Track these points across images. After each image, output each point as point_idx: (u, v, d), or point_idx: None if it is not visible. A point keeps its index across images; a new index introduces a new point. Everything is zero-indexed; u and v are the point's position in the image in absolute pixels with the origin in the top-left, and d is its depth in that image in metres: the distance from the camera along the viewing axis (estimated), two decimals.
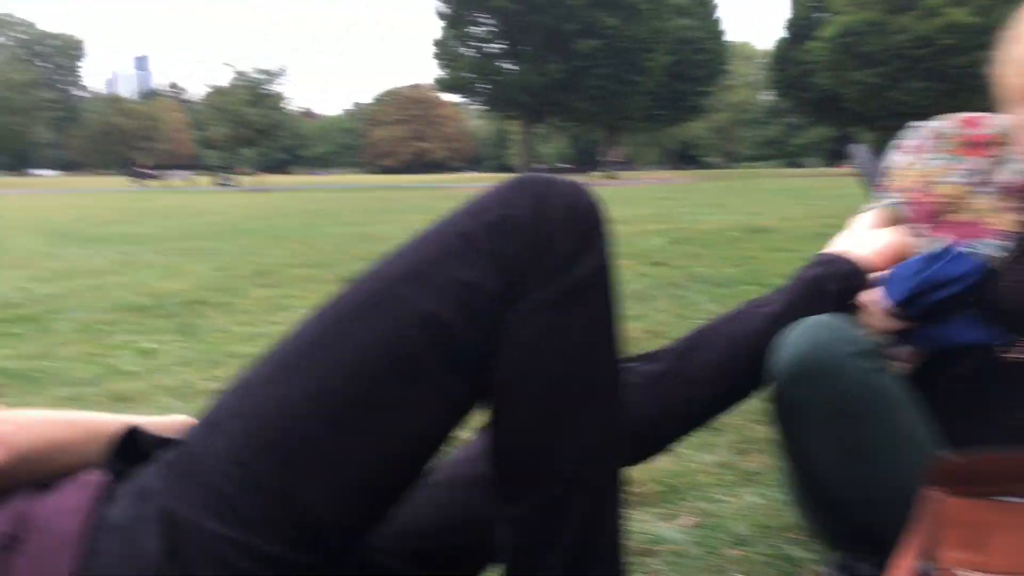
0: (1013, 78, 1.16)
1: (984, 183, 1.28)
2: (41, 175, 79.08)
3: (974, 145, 1.31)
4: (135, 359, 3.50)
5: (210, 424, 0.91)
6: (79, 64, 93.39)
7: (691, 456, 2.17)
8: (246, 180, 39.88)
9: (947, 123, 1.35)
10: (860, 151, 1.53)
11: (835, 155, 68.56)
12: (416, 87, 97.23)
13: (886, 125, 43.61)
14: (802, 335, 1.14)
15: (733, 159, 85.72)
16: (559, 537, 0.94)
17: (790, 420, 1.19)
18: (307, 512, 0.87)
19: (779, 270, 5.24)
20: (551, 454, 0.94)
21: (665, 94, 51.96)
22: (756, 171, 55.75)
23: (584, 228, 0.93)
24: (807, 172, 49.67)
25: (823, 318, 1.17)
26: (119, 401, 2.84)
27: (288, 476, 0.87)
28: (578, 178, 1.03)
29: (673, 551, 1.65)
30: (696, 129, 74.64)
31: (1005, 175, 1.27)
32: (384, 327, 0.89)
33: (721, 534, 1.72)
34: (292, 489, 0.87)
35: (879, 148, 1.52)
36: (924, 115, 1.50)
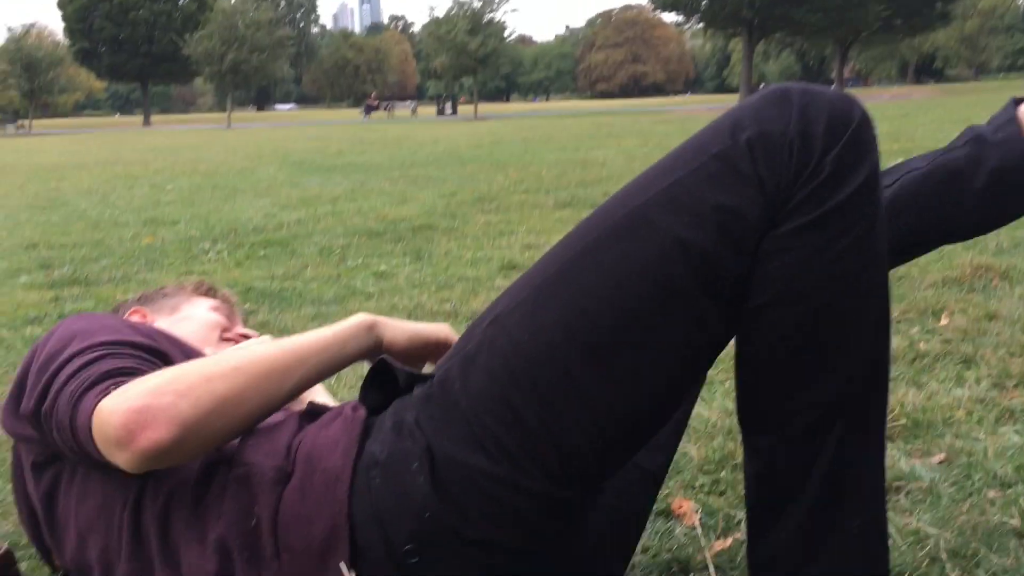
0: None
1: None
2: (282, 110, 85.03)
3: None
4: (372, 281, 3.70)
5: (467, 358, 0.90)
6: (316, 2, 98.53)
7: (942, 390, 2.01)
8: (466, 109, 40.82)
9: None
10: None
11: None
12: (629, 7, 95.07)
13: None
14: None
15: (983, 71, 77.85)
16: (811, 469, 0.89)
17: None
18: (568, 447, 0.86)
19: None
20: (809, 384, 0.88)
21: (905, 2, 47.72)
22: (1010, 82, 50.37)
23: (851, 142, 0.85)
24: None
25: None
26: None
27: (550, 412, 0.85)
28: None
29: (922, 488, 1.54)
30: (940, 39, 68.16)
31: None
32: (640, 256, 0.85)
33: (978, 473, 1.58)
34: (554, 425, 0.85)
35: None
36: None
